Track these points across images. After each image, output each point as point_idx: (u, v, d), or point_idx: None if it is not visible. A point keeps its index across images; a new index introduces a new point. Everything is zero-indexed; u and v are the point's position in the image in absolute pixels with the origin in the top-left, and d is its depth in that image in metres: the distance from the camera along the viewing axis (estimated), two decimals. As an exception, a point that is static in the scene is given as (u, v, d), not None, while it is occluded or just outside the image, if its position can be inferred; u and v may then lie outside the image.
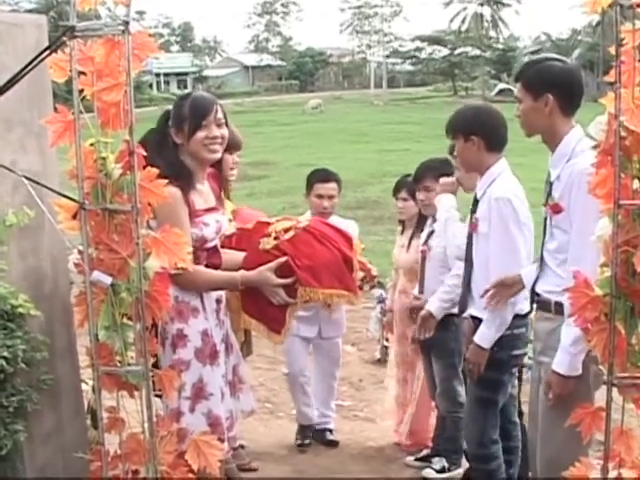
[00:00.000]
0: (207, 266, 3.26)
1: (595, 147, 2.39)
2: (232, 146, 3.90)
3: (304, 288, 3.27)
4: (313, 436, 5.13)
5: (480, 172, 3.70)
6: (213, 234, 3.29)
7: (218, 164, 3.46)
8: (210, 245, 3.29)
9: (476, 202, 3.71)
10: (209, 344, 3.23)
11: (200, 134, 3.20)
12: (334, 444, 5.10)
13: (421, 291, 4.56)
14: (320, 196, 4.88)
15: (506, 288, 3.46)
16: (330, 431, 5.20)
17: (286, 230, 3.38)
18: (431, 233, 4.52)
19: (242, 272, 3.33)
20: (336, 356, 5.23)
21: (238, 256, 3.49)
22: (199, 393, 3.19)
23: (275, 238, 3.34)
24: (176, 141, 3.22)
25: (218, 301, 3.35)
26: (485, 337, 3.56)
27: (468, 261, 3.78)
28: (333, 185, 4.92)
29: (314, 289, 3.28)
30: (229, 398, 3.39)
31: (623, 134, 2.26)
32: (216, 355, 3.27)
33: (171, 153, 3.21)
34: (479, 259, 3.68)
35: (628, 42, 2.23)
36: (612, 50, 2.26)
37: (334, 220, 4.73)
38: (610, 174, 2.31)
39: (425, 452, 4.77)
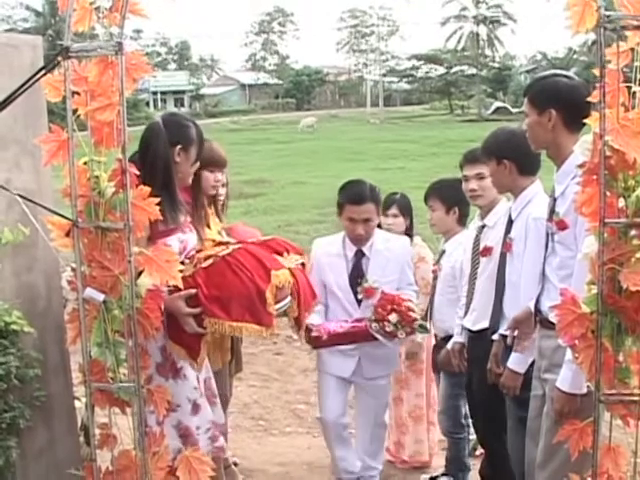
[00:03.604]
0: None
1: (581, 166, 2.43)
2: (212, 163, 3.87)
3: (209, 319, 3.15)
4: None
5: (514, 194, 3.72)
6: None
7: (194, 182, 3.47)
8: None
9: (510, 222, 3.70)
10: (169, 360, 3.23)
11: (198, 162, 3.31)
12: None
13: (432, 310, 4.59)
14: (352, 220, 4.11)
15: (524, 324, 3.41)
16: None
17: (207, 257, 3.26)
18: (442, 252, 4.58)
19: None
20: (383, 400, 4.49)
21: None
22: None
23: (195, 265, 3.27)
24: (176, 160, 3.22)
25: None
26: (519, 362, 3.52)
27: (499, 281, 3.75)
28: (369, 207, 4.09)
29: (219, 321, 3.13)
30: (209, 409, 3.38)
31: (608, 153, 2.31)
32: (177, 371, 3.26)
33: (174, 179, 3.22)
34: (513, 279, 3.64)
35: (612, 63, 2.28)
36: (595, 71, 2.31)
37: (383, 236, 4.34)
38: (595, 193, 2.35)
39: (440, 471, 4.77)
